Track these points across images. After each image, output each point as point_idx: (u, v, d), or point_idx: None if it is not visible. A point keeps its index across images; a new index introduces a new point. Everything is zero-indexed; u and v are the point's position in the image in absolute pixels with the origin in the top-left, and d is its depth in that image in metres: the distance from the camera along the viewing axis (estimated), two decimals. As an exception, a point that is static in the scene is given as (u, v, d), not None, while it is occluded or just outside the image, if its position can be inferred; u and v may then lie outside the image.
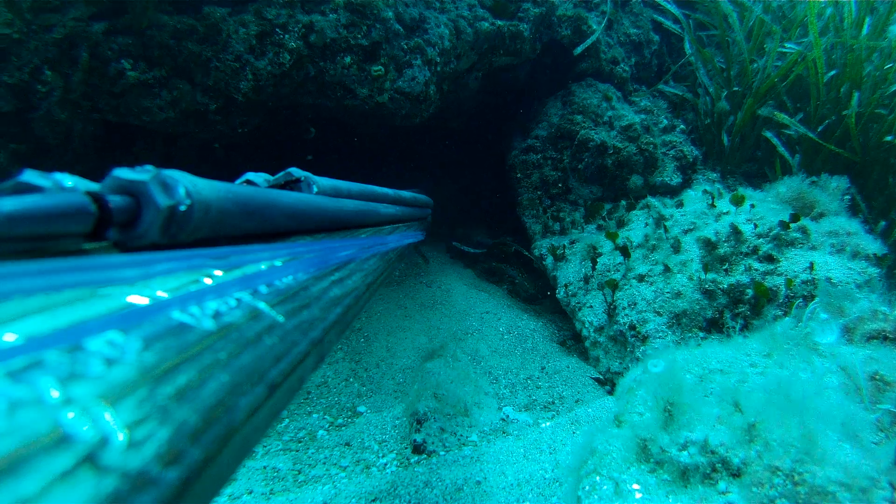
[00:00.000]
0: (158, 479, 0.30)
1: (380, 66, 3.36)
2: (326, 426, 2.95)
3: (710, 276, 3.01)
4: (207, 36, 3.12)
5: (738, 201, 3.31)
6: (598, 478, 1.37)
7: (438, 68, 3.57)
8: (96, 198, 0.51)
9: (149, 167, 0.55)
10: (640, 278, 3.29)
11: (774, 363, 1.67)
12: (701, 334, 2.88)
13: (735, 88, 4.48)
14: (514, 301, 4.25)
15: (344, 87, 3.36)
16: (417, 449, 2.63)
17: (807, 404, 1.30)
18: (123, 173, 0.54)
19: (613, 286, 3.29)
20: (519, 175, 4.35)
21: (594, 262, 3.54)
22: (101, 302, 0.38)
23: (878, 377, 1.47)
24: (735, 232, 3.10)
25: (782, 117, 4.19)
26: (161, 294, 0.43)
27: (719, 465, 1.28)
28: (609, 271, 3.48)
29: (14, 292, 0.35)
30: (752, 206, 3.25)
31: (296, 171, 0.93)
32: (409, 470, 2.49)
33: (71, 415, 0.29)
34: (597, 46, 4.43)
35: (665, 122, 4.44)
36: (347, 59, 3.30)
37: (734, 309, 2.89)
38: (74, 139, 3.18)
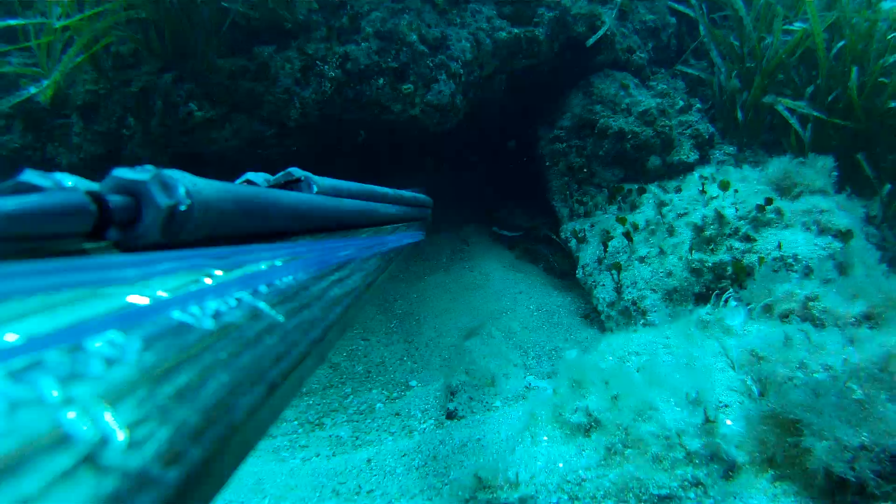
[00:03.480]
0: (158, 478, 0.28)
1: (409, 85, 3.37)
2: (383, 399, 3.04)
3: (697, 255, 3.05)
4: (258, 74, 3.19)
5: (724, 186, 3.27)
6: (527, 432, 1.73)
7: (462, 79, 3.55)
8: (96, 197, 0.47)
9: (149, 167, 0.51)
10: (641, 259, 3.32)
11: (683, 344, 1.96)
12: (690, 307, 2.93)
13: (748, 65, 4.26)
14: (548, 279, 4.21)
15: (380, 105, 3.38)
16: (450, 415, 2.81)
17: (666, 380, 1.65)
18: (123, 173, 0.50)
19: (618, 268, 3.32)
20: (548, 163, 4.30)
21: (605, 246, 3.54)
22: (102, 302, 0.35)
23: (754, 353, 1.73)
24: (718, 216, 3.11)
25: (787, 102, 4.01)
26: (161, 294, 0.40)
27: (593, 423, 1.62)
28: (619, 253, 3.48)
29: (14, 292, 0.32)
30: (736, 190, 3.22)
31: (296, 171, 0.87)
32: (430, 433, 2.69)
33: (71, 415, 0.27)
34: (611, 39, 4.28)
35: (681, 102, 4.27)
36: (381, 81, 3.32)
37: (718, 284, 2.94)
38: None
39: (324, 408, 2.99)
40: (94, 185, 0.49)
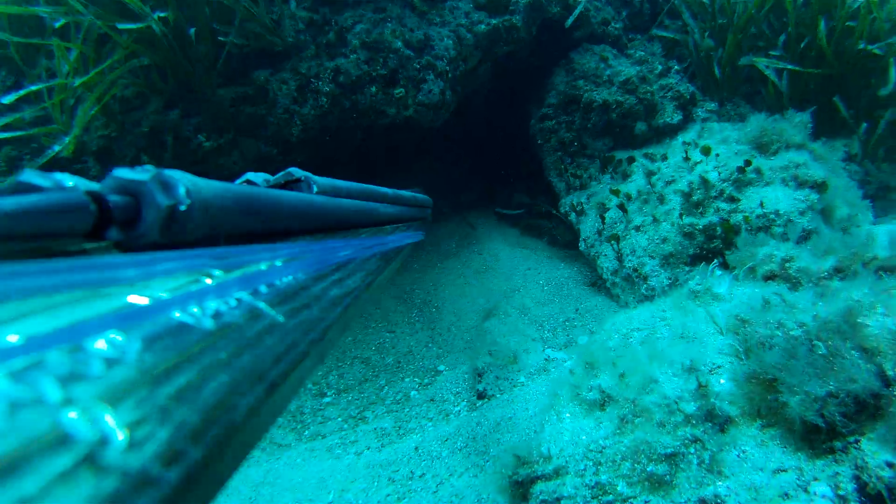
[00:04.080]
0: (158, 478, 0.26)
1: (400, 89, 3.36)
2: (416, 387, 3.06)
3: (688, 220, 3.08)
4: (258, 98, 3.19)
5: (706, 151, 3.26)
6: (552, 411, 1.85)
7: (449, 75, 3.53)
8: (96, 197, 0.45)
9: (149, 167, 0.49)
10: (637, 228, 3.33)
11: (677, 315, 2.05)
12: (686, 268, 3.02)
13: (720, 21, 4.14)
14: (553, 251, 4.19)
15: (375, 110, 3.37)
16: (481, 395, 2.85)
17: (664, 354, 1.76)
18: (123, 173, 0.48)
19: (617, 238, 3.34)
20: (540, 141, 4.25)
21: (603, 218, 3.53)
22: (102, 302, 0.34)
23: (738, 317, 1.81)
24: (703, 181, 3.12)
25: (761, 61, 3.93)
26: (161, 294, 0.38)
27: (606, 398, 1.74)
28: (616, 223, 3.48)
29: (14, 292, 0.31)
30: (717, 154, 3.22)
31: (296, 171, 0.82)
32: (467, 415, 2.75)
33: (71, 415, 0.26)
34: (586, 14, 4.21)
35: (660, 67, 4.18)
36: (373, 89, 3.31)
37: (710, 244, 3.00)
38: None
39: (363, 402, 3.00)
40: (94, 186, 0.47)
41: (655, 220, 3.25)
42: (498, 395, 2.80)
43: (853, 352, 1.47)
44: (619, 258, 3.32)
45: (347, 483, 2.45)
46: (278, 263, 0.54)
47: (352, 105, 3.32)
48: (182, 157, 3.14)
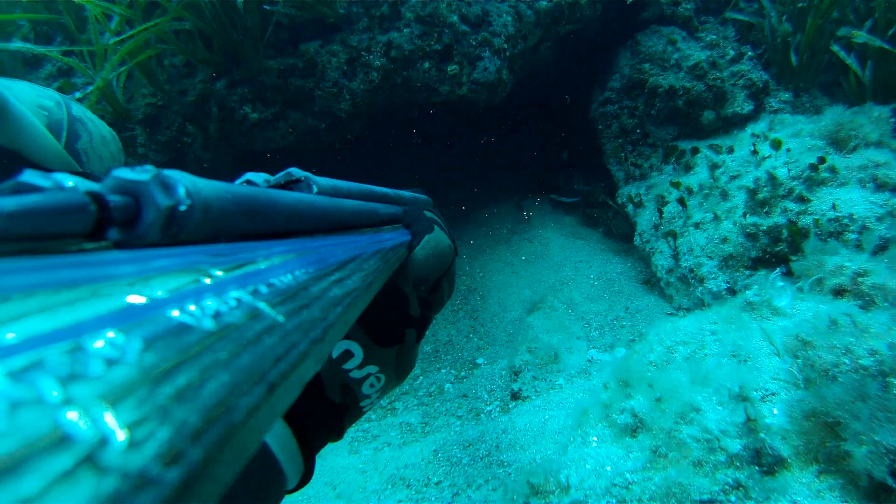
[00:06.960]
0: (159, 478, 0.24)
1: (455, 65, 3.34)
2: (451, 379, 3.05)
3: (752, 220, 2.94)
4: (307, 70, 3.24)
5: (776, 145, 3.09)
6: (579, 431, 1.79)
7: (507, 53, 3.48)
8: (96, 197, 0.42)
9: (149, 167, 0.45)
10: (696, 226, 3.21)
11: (729, 330, 1.93)
12: (747, 272, 2.89)
13: (800, 5, 3.90)
14: (608, 244, 4.09)
15: (428, 87, 3.37)
16: (515, 396, 2.77)
17: (710, 376, 1.67)
18: (123, 173, 0.44)
19: (674, 235, 3.25)
20: (600, 127, 4.16)
21: (661, 213, 3.43)
22: (102, 302, 0.31)
23: (799, 338, 1.67)
24: (771, 178, 2.95)
25: (858, 35, 3.65)
26: (161, 294, 0.35)
27: (639, 424, 1.67)
28: (674, 219, 3.37)
29: (12, 290, 0.29)
30: (789, 149, 3.03)
31: (296, 172, 0.79)
32: (494, 421, 2.66)
33: (71, 415, 0.24)
34: None
35: (732, 52, 4.00)
36: (426, 65, 3.30)
37: (774, 248, 2.85)
38: (217, 172, 3.40)
39: (395, 391, 3.01)
40: (94, 186, 0.44)
41: (717, 218, 3.14)
42: (532, 397, 2.73)
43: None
44: (676, 256, 3.24)
45: (359, 484, 2.42)
46: (277, 262, 0.54)
47: (403, 81, 3.33)
48: (228, 128, 3.23)
